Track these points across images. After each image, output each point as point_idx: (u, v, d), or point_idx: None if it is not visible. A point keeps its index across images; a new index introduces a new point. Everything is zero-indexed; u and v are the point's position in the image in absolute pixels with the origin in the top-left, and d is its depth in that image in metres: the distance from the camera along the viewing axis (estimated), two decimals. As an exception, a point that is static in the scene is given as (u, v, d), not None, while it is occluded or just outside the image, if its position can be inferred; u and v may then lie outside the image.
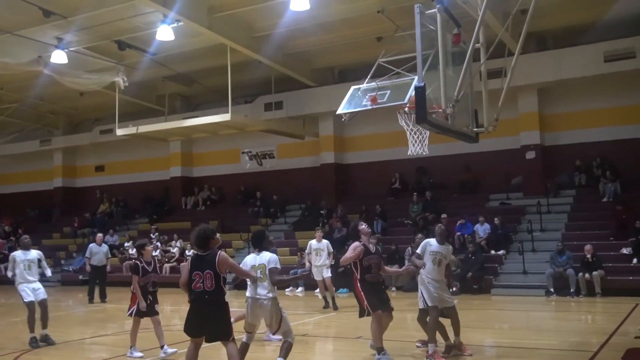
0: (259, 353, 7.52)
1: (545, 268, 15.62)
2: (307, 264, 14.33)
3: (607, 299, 14.25)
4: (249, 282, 6.96)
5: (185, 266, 6.36)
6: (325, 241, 14.07)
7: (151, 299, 8.68)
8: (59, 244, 26.49)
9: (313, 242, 14.08)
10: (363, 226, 8.16)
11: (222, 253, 6.22)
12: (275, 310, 6.74)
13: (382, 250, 10.33)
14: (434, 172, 21.33)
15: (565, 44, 18.78)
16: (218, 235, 6.54)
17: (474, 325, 10.30)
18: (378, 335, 7.70)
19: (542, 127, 19.79)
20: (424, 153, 8.65)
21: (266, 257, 6.85)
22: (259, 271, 6.79)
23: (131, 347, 8.65)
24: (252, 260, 6.93)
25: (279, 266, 6.90)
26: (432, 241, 8.26)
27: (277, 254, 7.19)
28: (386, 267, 8.45)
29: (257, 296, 6.75)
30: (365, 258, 7.86)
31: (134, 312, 8.64)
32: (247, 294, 6.94)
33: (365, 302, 7.75)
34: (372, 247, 8.08)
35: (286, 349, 6.80)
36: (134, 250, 22.69)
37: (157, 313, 8.71)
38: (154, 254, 10.35)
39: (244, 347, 6.88)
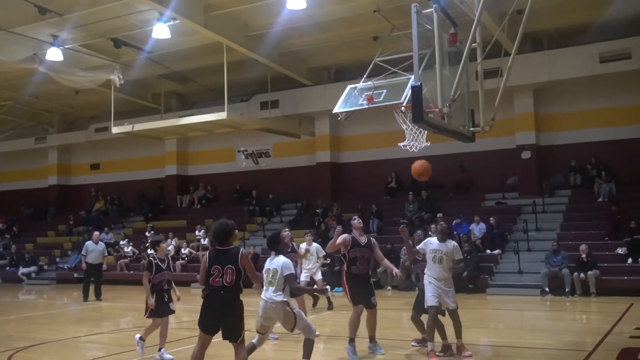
0: (257, 352, 7.50)
1: (540, 268, 15.66)
2: (297, 270, 14.34)
3: (601, 298, 14.29)
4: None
5: (203, 261, 6.26)
6: (315, 245, 13.99)
7: (167, 297, 8.35)
8: (54, 242, 26.42)
9: (303, 246, 14.02)
10: (355, 221, 8.48)
11: (243, 250, 6.18)
12: (285, 311, 6.71)
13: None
14: (429, 171, 21.30)
15: (561, 44, 18.86)
16: (236, 230, 6.50)
17: (469, 324, 10.29)
18: (353, 325, 7.94)
19: (537, 127, 19.84)
20: (421, 147, 8.63)
21: (280, 262, 6.74)
22: (270, 275, 6.75)
23: (140, 338, 8.38)
24: (268, 264, 6.90)
25: (294, 271, 6.85)
26: (433, 239, 8.26)
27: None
28: (385, 261, 8.64)
29: (266, 298, 6.74)
30: (351, 250, 8.12)
31: (149, 313, 8.26)
32: (262, 295, 6.93)
33: (348, 295, 8.09)
34: (363, 240, 8.25)
35: (308, 346, 6.81)
36: (129, 248, 22.71)
37: (172, 312, 8.39)
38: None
39: (251, 348, 6.79)
